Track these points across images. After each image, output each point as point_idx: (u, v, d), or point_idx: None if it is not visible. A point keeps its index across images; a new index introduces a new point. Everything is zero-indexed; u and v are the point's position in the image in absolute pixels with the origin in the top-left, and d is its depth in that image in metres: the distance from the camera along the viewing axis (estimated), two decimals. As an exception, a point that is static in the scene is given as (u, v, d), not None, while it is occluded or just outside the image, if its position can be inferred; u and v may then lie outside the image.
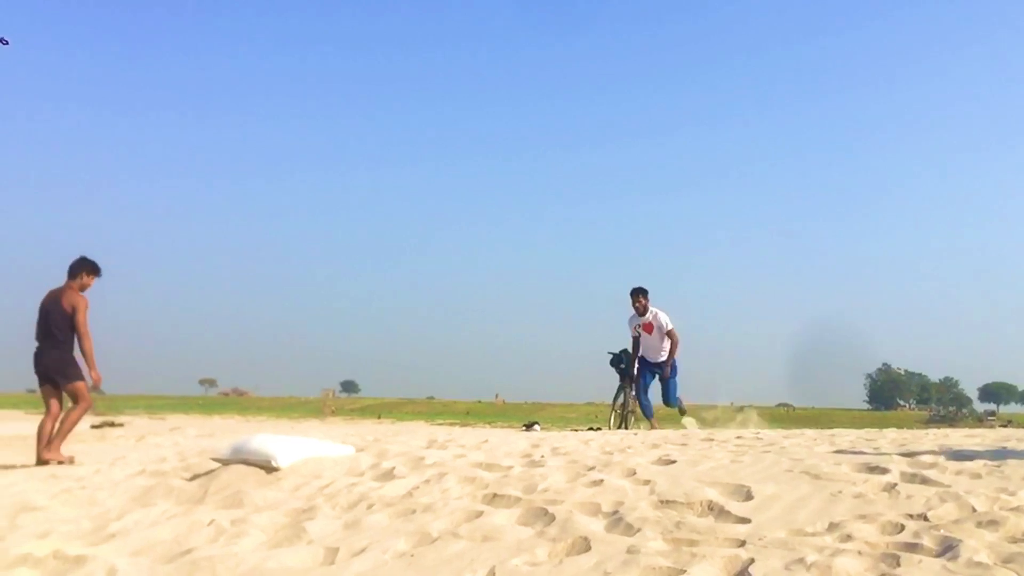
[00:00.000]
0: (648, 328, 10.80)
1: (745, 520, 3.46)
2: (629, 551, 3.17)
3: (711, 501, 3.74)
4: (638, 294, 10.81)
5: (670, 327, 10.72)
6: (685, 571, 2.89)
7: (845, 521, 3.35)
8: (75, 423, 7.94)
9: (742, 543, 3.17)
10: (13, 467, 7.37)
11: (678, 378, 11.04)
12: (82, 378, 7.93)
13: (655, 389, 11.16)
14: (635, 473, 4.49)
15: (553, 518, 3.69)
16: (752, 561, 2.94)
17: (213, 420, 25.26)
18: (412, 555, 3.43)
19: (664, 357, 10.82)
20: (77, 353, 7.94)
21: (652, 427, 10.43)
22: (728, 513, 3.58)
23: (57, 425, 7.87)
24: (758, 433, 6.78)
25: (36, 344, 8.00)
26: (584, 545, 3.31)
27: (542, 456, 5.35)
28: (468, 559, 3.30)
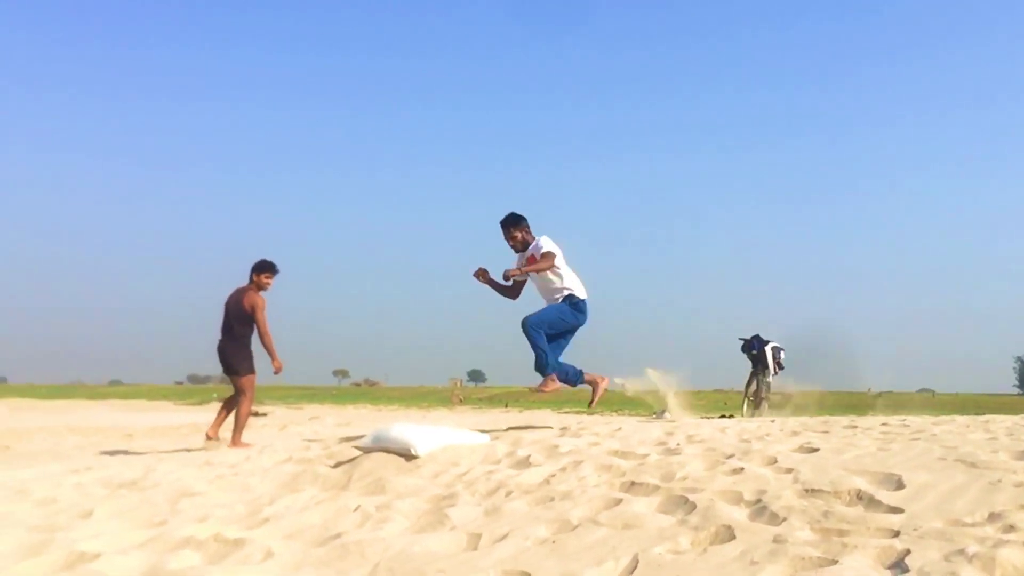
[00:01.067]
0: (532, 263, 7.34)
1: (898, 510, 3.34)
2: (775, 540, 3.10)
3: (860, 490, 3.62)
4: (509, 226, 7.43)
5: (544, 249, 7.22)
6: (837, 561, 2.81)
7: (1007, 511, 3.19)
8: (246, 415, 8.70)
9: (896, 533, 3.05)
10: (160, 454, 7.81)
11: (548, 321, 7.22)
12: (251, 372, 8.59)
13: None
14: (776, 461, 4.39)
15: (694, 506, 3.65)
16: (908, 552, 2.83)
17: (347, 409, 26.07)
18: (553, 542, 3.46)
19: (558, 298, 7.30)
20: (255, 348, 8.61)
21: (546, 386, 7.23)
22: (878, 502, 3.46)
23: (232, 420, 8.77)
24: (904, 420, 6.51)
25: (219, 338, 8.68)
26: (728, 534, 3.27)
27: (678, 444, 5.29)
28: (610, 546, 3.30)
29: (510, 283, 7.38)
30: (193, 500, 4.93)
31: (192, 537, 3.96)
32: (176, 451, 8.52)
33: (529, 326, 7.07)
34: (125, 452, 8.88)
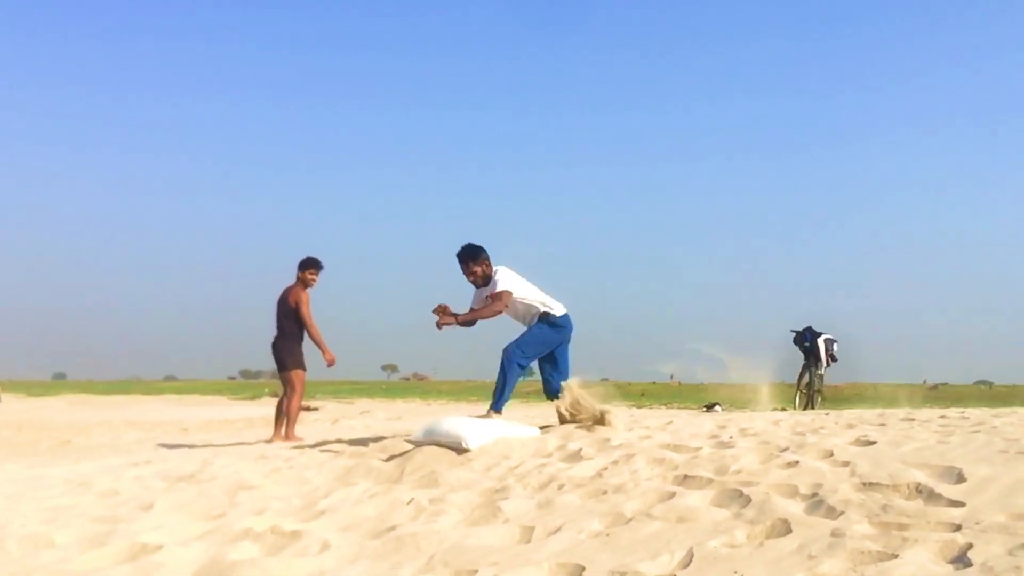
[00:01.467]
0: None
1: (958, 503, 3.28)
2: (833, 534, 3.07)
3: (919, 483, 3.56)
4: (467, 260, 6.81)
5: (498, 288, 6.65)
6: (897, 556, 2.77)
7: (1074, 505, 3.11)
8: (296, 410, 8.84)
9: (957, 527, 3.00)
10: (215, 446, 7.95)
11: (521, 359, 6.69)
12: (298, 367, 8.77)
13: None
14: (832, 454, 4.34)
15: (749, 500, 3.62)
16: (970, 546, 2.78)
17: (397, 403, 26.28)
18: (607, 535, 3.46)
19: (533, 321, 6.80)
20: (306, 345, 8.82)
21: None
22: (939, 496, 3.40)
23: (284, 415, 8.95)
24: (963, 412, 6.40)
25: (274, 335, 8.93)
26: (784, 528, 3.24)
27: (731, 437, 5.26)
28: (664, 540, 3.29)
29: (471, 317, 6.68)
30: (250, 493, 5.01)
31: (250, 529, 4.02)
32: (232, 445, 8.67)
33: (507, 356, 6.59)
34: (182, 446, 9.06)
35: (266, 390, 32.31)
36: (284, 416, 8.88)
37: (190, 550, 3.77)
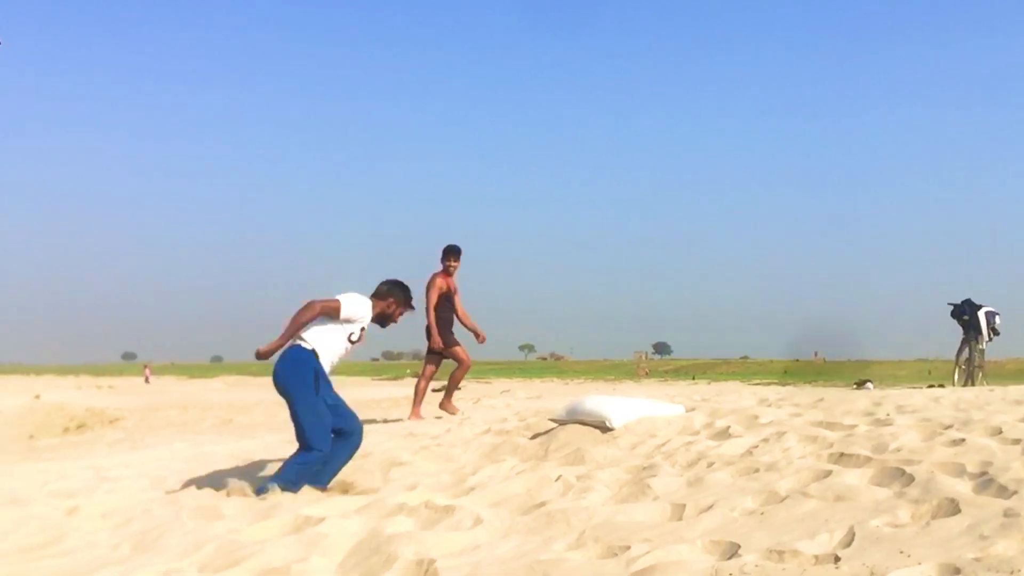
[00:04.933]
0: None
1: None
2: (1006, 514, 2.91)
3: (1100, 462, 3.33)
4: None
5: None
6: (1079, 537, 2.61)
7: None
8: (458, 380, 9.16)
9: None
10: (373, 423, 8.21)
11: None
12: (455, 344, 9.02)
13: None
14: (1001, 432, 4.11)
15: (912, 478, 3.48)
16: None
17: (535, 383, 26.54)
18: (762, 513, 3.39)
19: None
20: (458, 326, 9.10)
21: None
22: (1124, 475, 3.17)
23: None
24: None
25: None
26: (952, 507, 3.09)
27: (887, 414, 5.05)
28: (822, 518, 3.19)
29: None
30: (402, 469, 5.16)
31: (404, 504, 4.14)
32: (381, 423, 8.95)
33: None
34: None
35: (407, 371, 33.18)
36: (449, 389, 9.15)
37: (350, 522, 3.92)
